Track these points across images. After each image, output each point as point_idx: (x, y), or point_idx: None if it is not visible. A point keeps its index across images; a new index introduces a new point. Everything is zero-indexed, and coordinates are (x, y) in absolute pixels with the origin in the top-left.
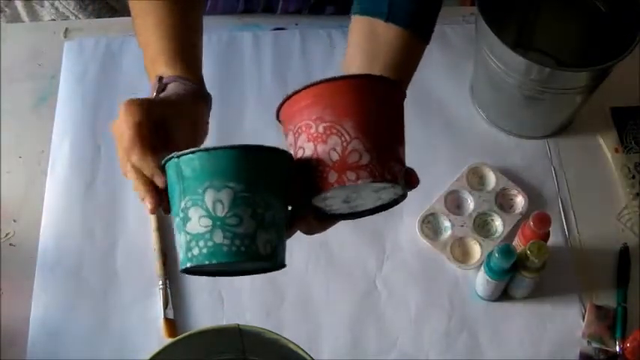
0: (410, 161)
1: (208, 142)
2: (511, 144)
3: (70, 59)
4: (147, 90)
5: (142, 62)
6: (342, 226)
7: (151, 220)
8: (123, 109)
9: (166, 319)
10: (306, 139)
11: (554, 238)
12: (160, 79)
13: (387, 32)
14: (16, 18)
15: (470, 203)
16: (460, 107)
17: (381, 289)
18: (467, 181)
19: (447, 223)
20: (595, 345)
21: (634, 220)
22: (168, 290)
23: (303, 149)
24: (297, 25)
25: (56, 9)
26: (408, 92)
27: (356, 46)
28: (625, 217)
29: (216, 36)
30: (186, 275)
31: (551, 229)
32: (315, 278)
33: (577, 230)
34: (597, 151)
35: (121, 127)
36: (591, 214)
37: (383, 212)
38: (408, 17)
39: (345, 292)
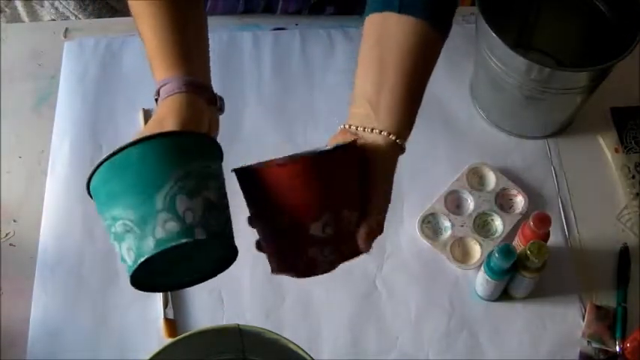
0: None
1: None
2: (511, 144)
3: (70, 59)
4: (147, 90)
5: (142, 62)
6: None
7: None
8: None
9: (166, 319)
10: None
11: (554, 238)
12: (163, 85)
13: (400, 25)
14: (16, 18)
15: (470, 203)
16: (460, 107)
17: (381, 289)
18: (467, 181)
19: (447, 223)
20: (595, 345)
21: (634, 220)
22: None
23: None
24: (297, 25)
25: (56, 9)
26: None
27: (367, 46)
28: (625, 217)
29: (216, 36)
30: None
31: (551, 229)
32: (315, 278)
33: (577, 230)
34: (597, 151)
35: None
36: (591, 214)
37: None
38: (424, 7)
39: (345, 293)
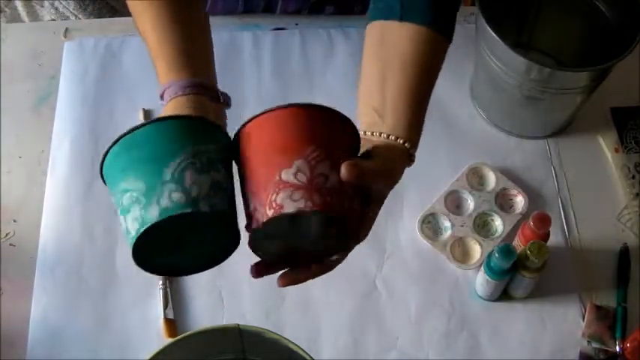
0: None
1: None
2: (511, 144)
3: (70, 59)
4: (147, 90)
5: (142, 62)
6: None
7: None
8: None
9: (166, 320)
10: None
11: (554, 238)
12: (167, 88)
13: (403, 32)
14: (16, 18)
15: (470, 203)
16: (460, 107)
17: (381, 289)
18: (467, 181)
19: (447, 223)
20: (595, 345)
21: (634, 220)
22: (169, 290)
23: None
24: (297, 25)
25: (56, 9)
26: None
27: (368, 56)
28: (625, 217)
29: (217, 36)
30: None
31: (551, 229)
32: (316, 278)
33: (577, 230)
34: (597, 151)
35: None
36: (591, 214)
37: (383, 212)
38: (424, 13)
39: (345, 293)
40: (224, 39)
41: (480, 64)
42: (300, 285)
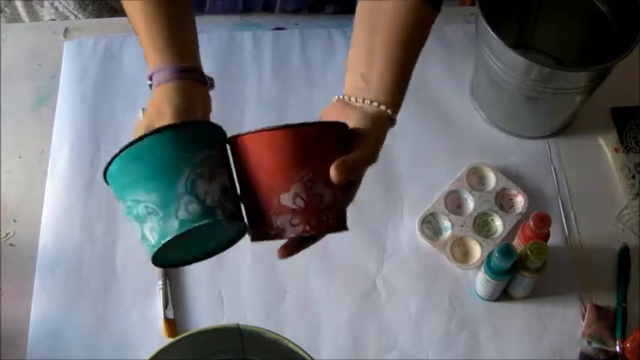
0: (410, 161)
1: None
2: (511, 144)
3: (69, 59)
4: (146, 90)
5: (142, 62)
6: None
7: None
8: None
9: (166, 319)
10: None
11: (554, 238)
12: (156, 73)
13: (391, 3)
14: (16, 18)
15: (470, 203)
16: (460, 107)
17: (381, 289)
18: (467, 181)
19: (447, 223)
20: (595, 345)
21: (634, 220)
22: (168, 290)
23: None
24: (297, 24)
25: (56, 9)
26: (408, 93)
27: (359, 24)
28: (625, 217)
29: (216, 36)
30: (187, 276)
31: (551, 229)
32: (316, 278)
33: (577, 230)
34: (597, 151)
35: None
36: (591, 214)
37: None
38: None
39: (345, 292)
40: (224, 39)
41: (480, 64)
42: (300, 285)
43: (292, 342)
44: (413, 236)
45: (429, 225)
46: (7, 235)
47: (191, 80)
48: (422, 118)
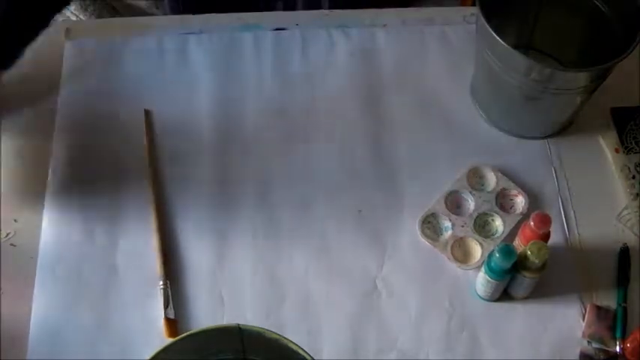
0: (410, 161)
1: (208, 142)
2: (511, 144)
3: (70, 59)
4: (148, 90)
5: (143, 62)
6: (342, 226)
7: (152, 220)
8: None
9: (167, 319)
10: None
11: (554, 238)
12: None
13: None
14: None
15: (470, 203)
16: (460, 107)
17: (382, 289)
18: (467, 182)
19: (447, 224)
20: (595, 345)
21: (634, 220)
22: (169, 290)
23: None
24: (297, 25)
25: None
26: (408, 93)
27: None
28: (625, 217)
29: (216, 36)
30: (188, 276)
31: (551, 229)
32: (316, 278)
33: (577, 230)
34: (597, 152)
35: None
36: (591, 214)
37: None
38: None
39: (345, 292)
40: (224, 39)
41: (480, 64)
42: (300, 285)
43: (293, 342)
44: (413, 236)
45: (430, 225)
46: (7, 235)
47: None
48: (422, 118)
